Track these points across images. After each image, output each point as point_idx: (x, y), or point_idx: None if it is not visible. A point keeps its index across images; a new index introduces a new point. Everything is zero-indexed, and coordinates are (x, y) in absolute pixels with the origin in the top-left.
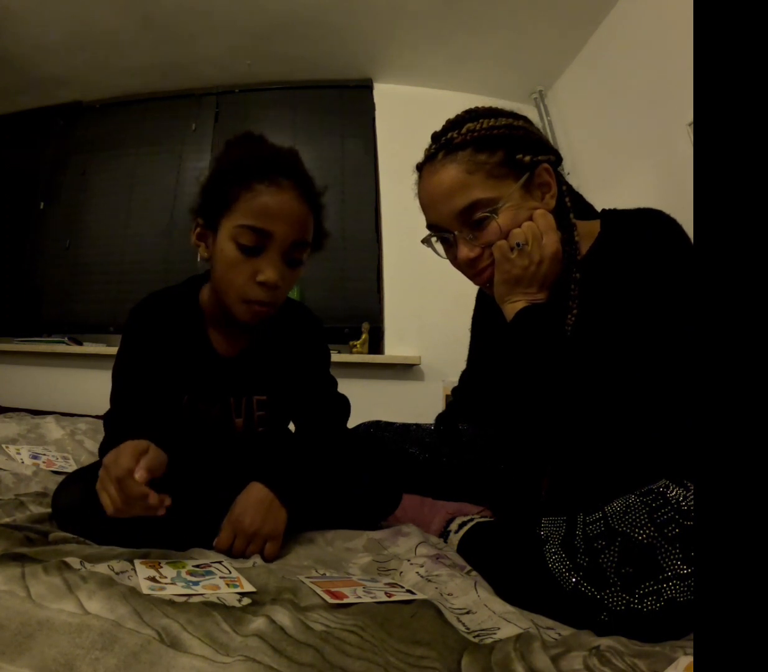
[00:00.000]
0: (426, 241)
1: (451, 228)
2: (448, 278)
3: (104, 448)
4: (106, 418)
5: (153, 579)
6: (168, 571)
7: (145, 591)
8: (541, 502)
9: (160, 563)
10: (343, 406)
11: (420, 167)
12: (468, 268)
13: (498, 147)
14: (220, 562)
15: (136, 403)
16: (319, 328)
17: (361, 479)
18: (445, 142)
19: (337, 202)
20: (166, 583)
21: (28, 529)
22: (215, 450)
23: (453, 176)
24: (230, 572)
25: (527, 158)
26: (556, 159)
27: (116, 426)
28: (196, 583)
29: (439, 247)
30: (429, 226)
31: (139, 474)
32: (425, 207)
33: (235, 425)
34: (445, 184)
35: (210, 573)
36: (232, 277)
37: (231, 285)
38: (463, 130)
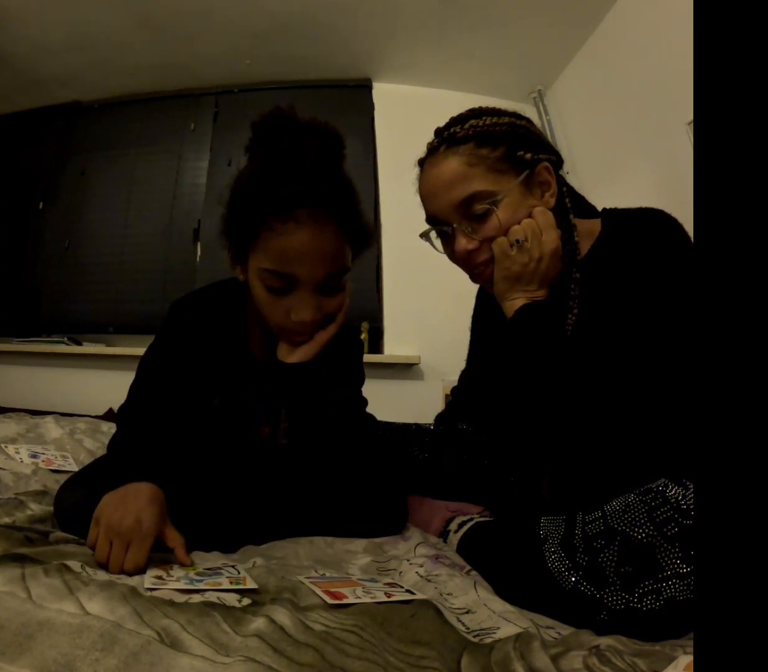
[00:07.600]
0: (425, 235)
1: (450, 220)
2: (448, 277)
3: (116, 444)
4: (121, 410)
5: (159, 577)
6: (177, 572)
7: (147, 585)
8: (541, 502)
9: (171, 566)
10: (368, 425)
11: (422, 161)
12: (465, 261)
13: (500, 143)
14: (233, 566)
15: (157, 400)
16: (358, 350)
17: (367, 494)
18: (448, 136)
19: None
20: (170, 581)
21: (28, 530)
22: (238, 457)
23: (454, 168)
24: (239, 573)
25: (528, 155)
26: (557, 160)
27: (131, 423)
28: (199, 581)
29: (437, 242)
30: (428, 219)
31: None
32: (425, 198)
33: (261, 434)
34: (446, 175)
35: (218, 574)
36: (267, 313)
37: (268, 318)
38: (466, 125)
